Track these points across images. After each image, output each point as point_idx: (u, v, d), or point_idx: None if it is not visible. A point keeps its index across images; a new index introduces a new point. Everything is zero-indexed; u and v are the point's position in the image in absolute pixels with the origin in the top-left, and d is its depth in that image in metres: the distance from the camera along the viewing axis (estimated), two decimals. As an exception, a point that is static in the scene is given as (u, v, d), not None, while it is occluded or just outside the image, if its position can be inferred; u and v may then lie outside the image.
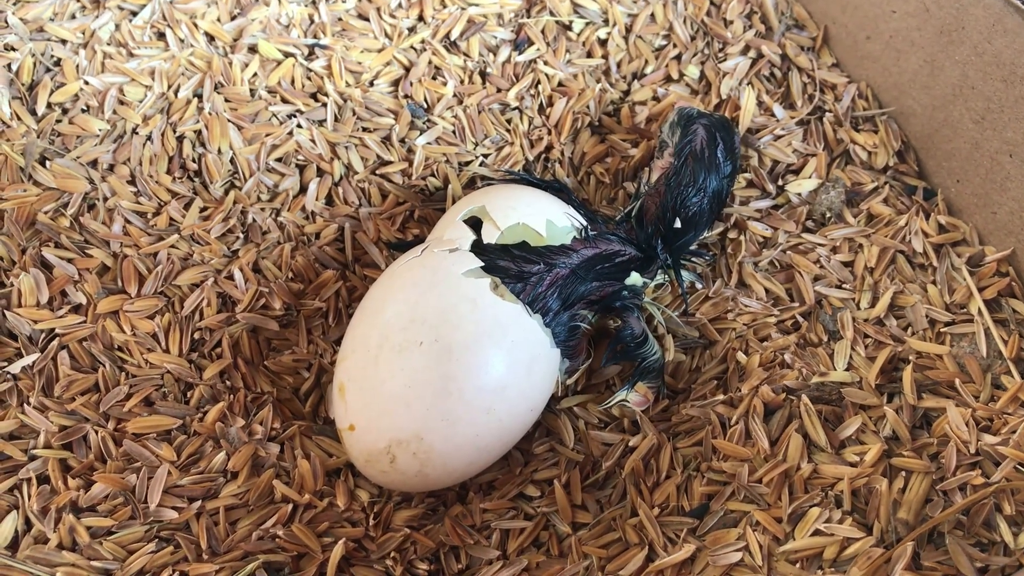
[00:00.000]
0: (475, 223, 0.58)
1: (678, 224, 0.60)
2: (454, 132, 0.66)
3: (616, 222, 0.63)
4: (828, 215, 0.63)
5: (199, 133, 0.64)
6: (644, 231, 0.61)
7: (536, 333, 0.54)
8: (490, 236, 0.56)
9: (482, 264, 0.54)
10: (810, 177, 0.64)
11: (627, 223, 0.62)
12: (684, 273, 0.63)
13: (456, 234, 0.57)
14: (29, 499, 0.51)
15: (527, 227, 0.57)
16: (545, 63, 0.69)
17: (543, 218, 0.58)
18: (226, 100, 0.65)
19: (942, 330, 0.58)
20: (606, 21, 0.71)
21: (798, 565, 0.51)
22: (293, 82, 0.67)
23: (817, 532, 0.51)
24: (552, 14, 0.70)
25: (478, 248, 0.56)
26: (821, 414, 0.55)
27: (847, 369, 0.57)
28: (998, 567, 0.49)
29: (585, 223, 0.59)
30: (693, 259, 0.63)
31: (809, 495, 0.52)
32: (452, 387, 0.51)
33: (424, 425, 0.52)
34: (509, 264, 0.55)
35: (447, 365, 0.51)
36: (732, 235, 0.64)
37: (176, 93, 0.65)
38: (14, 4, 0.66)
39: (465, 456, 0.53)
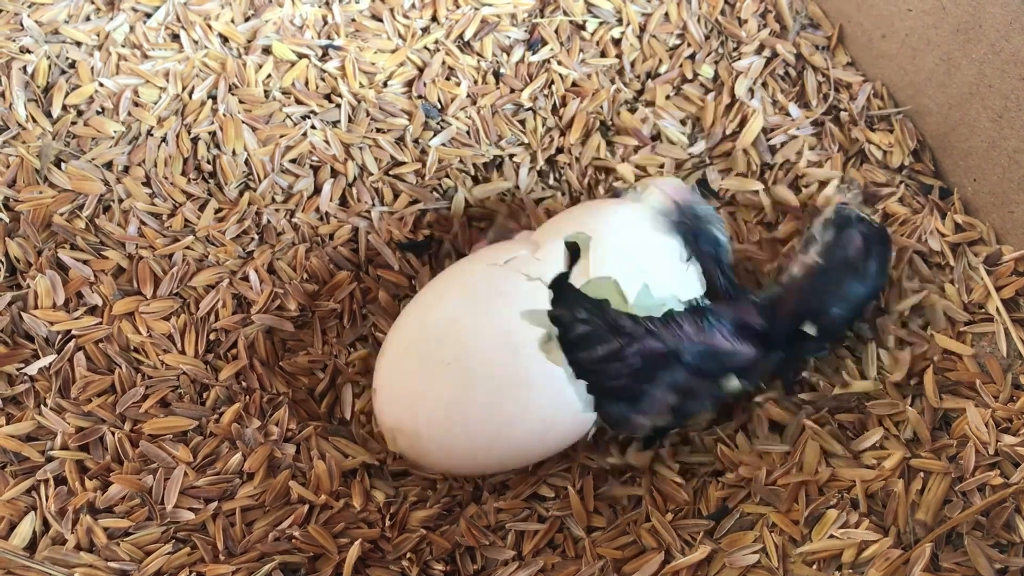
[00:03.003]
0: (574, 251, 0.54)
1: (812, 331, 0.56)
2: (468, 133, 0.66)
3: (744, 300, 0.57)
4: None
5: (213, 134, 0.64)
6: (773, 326, 0.57)
7: (567, 398, 0.52)
8: (578, 276, 0.53)
9: (549, 310, 0.52)
10: (828, 183, 0.64)
11: (754, 308, 0.57)
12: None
13: (550, 254, 0.54)
14: (47, 500, 0.51)
15: (616, 287, 0.53)
16: (559, 63, 0.69)
17: (641, 280, 0.53)
18: (240, 101, 0.65)
19: (961, 330, 0.57)
20: (620, 20, 0.70)
21: (815, 567, 0.50)
22: (307, 83, 0.67)
23: (834, 535, 0.51)
24: (566, 14, 0.70)
25: (558, 288, 0.52)
26: (841, 424, 0.55)
27: (878, 375, 0.57)
28: (1017, 568, 0.49)
29: (702, 294, 0.55)
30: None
31: (826, 497, 0.52)
32: (458, 415, 0.51)
33: (424, 431, 0.52)
34: (582, 319, 0.52)
35: (463, 394, 0.51)
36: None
37: (190, 95, 0.65)
38: (29, 7, 0.66)
39: (456, 466, 0.54)
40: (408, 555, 0.53)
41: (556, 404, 0.52)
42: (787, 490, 0.52)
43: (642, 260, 0.54)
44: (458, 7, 0.70)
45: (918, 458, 0.52)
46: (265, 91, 0.66)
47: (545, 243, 0.54)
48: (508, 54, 0.69)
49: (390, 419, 0.54)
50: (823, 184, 0.64)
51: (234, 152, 0.64)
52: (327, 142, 0.65)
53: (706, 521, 0.53)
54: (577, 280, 0.53)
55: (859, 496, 0.51)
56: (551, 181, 0.66)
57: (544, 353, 0.51)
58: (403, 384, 0.53)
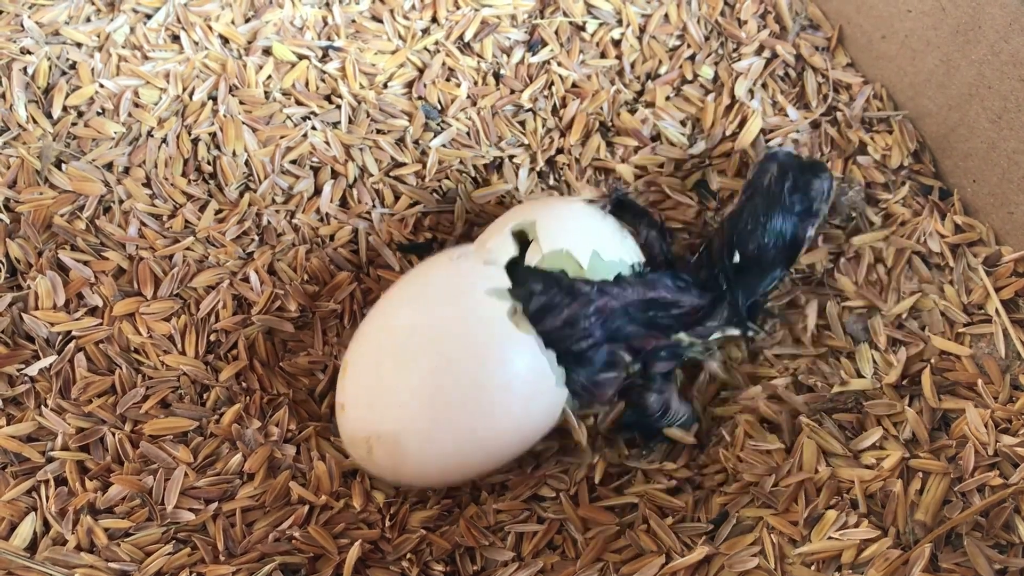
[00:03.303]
0: (523, 238, 0.56)
1: (737, 259, 0.58)
2: (468, 134, 0.66)
3: (686, 263, 0.60)
4: (853, 215, 0.63)
5: (214, 135, 0.64)
6: (708, 270, 0.59)
7: (543, 369, 0.53)
8: (532, 256, 0.55)
9: (508, 288, 0.53)
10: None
11: (696, 264, 0.60)
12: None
13: (500, 244, 0.56)
14: (47, 501, 0.52)
15: (570, 256, 0.55)
16: (559, 64, 0.69)
17: (590, 248, 0.56)
18: (240, 102, 0.65)
19: (960, 331, 0.57)
20: (620, 21, 0.70)
21: (814, 567, 0.50)
22: (307, 84, 0.67)
23: (833, 536, 0.51)
24: (566, 15, 0.70)
25: (512, 267, 0.54)
26: (839, 423, 0.55)
27: (874, 374, 0.57)
28: (1017, 568, 0.49)
29: (641, 260, 0.57)
30: (758, 318, 0.60)
31: (825, 498, 0.52)
32: (440, 400, 0.51)
33: (404, 428, 0.52)
34: (539, 291, 0.53)
35: (441, 378, 0.51)
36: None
37: (191, 96, 0.65)
38: (29, 8, 0.66)
39: (438, 467, 0.54)
40: (408, 556, 0.53)
41: (535, 375, 0.53)
42: (786, 491, 0.53)
43: (586, 233, 0.57)
44: (458, 8, 0.70)
45: (917, 458, 0.52)
46: (265, 92, 0.66)
47: (492, 239, 0.56)
48: (508, 55, 0.69)
49: (364, 431, 0.53)
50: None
51: (234, 153, 0.64)
52: (327, 143, 0.65)
53: (705, 525, 0.53)
54: (532, 260, 0.55)
55: (858, 496, 0.51)
56: (551, 182, 0.66)
57: (514, 324, 0.52)
58: (376, 391, 0.53)
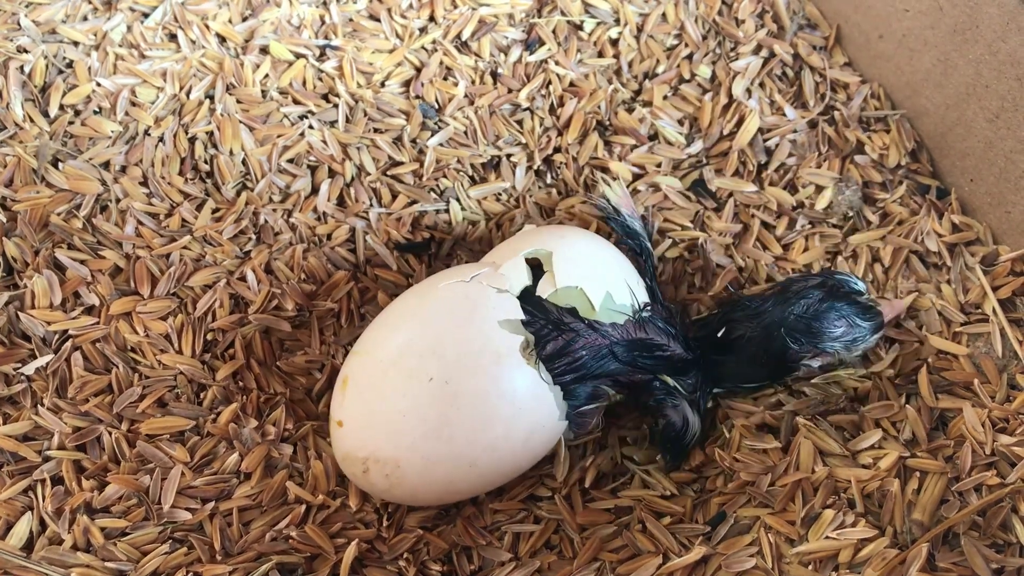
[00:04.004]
0: (536, 266, 0.55)
1: (720, 335, 0.56)
2: (466, 133, 0.66)
3: (674, 312, 0.58)
4: (850, 214, 0.63)
5: (211, 134, 0.64)
6: (690, 329, 0.58)
7: (548, 406, 0.52)
8: (545, 288, 0.54)
9: (524, 319, 0.52)
10: (828, 186, 0.64)
11: (684, 317, 0.59)
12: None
13: (513, 270, 0.54)
14: (43, 500, 0.52)
15: (583, 294, 0.54)
16: (556, 63, 0.68)
17: (604, 289, 0.55)
18: (238, 101, 0.65)
19: (957, 330, 0.57)
20: (617, 21, 0.70)
21: (811, 567, 0.50)
22: (305, 83, 0.67)
23: (830, 535, 0.51)
24: (563, 14, 0.70)
25: (526, 298, 0.53)
26: (835, 425, 0.55)
27: (868, 377, 0.57)
28: (1014, 568, 0.49)
29: (645, 303, 0.55)
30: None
31: (822, 497, 0.52)
32: (444, 432, 0.51)
33: (405, 456, 0.51)
34: (550, 327, 0.52)
35: (447, 409, 0.50)
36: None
37: (188, 94, 0.65)
38: (26, 6, 0.66)
39: (435, 492, 0.53)
40: (405, 555, 0.53)
41: (540, 412, 0.52)
42: (783, 491, 0.52)
43: (601, 271, 0.56)
44: (455, 7, 0.70)
45: (915, 458, 0.52)
46: (262, 91, 0.66)
47: (504, 261, 0.55)
48: (506, 54, 0.69)
49: (362, 450, 0.52)
50: (820, 187, 0.64)
51: (231, 152, 0.64)
52: (325, 142, 0.65)
53: (703, 526, 0.53)
54: (544, 291, 0.53)
55: (855, 496, 0.51)
56: (548, 180, 0.66)
57: (525, 359, 0.51)
58: (379, 408, 0.52)
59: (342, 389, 0.53)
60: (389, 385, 0.51)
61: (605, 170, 0.66)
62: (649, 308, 0.55)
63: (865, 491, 0.52)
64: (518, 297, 0.53)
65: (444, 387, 0.50)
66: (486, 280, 0.53)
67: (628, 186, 0.65)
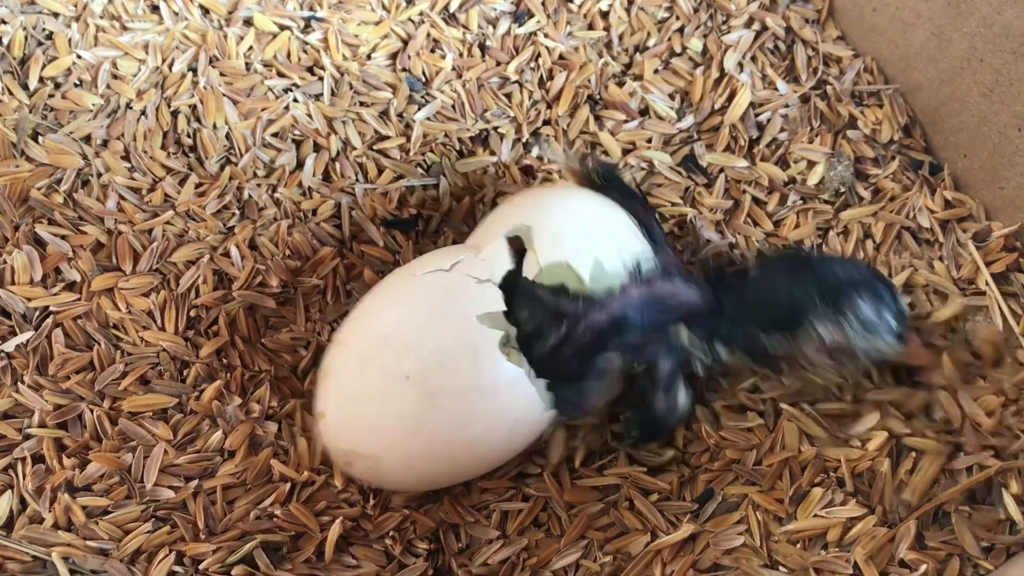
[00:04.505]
0: (518, 245, 0.53)
1: (748, 269, 0.54)
2: (453, 107, 0.65)
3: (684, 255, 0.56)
4: (841, 190, 0.62)
5: (194, 108, 0.63)
6: (714, 278, 0.55)
7: (530, 399, 0.51)
8: (530, 268, 0.52)
9: (505, 310, 0.50)
10: (819, 162, 0.63)
11: (703, 262, 0.57)
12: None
13: (494, 253, 0.52)
14: (24, 478, 0.51)
15: (570, 268, 0.52)
16: (545, 36, 0.67)
17: (592, 257, 0.52)
18: (221, 74, 0.64)
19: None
20: (608, -7, 0.69)
21: (799, 545, 0.50)
22: (289, 55, 0.66)
23: (819, 514, 0.50)
24: (553, -14, 0.69)
25: (512, 285, 0.51)
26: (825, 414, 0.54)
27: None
28: (1003, 545, 0.49)
29: (647, 251, 0.54)
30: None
31: (811, 475, 0.52)
32: (423, 430, 0.50)
33: (385, 452, 0.51)
34: (536, 312, 0.51)
35: (426, 409, 0.50)
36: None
37: (170, 67, 0.64)
38: (5, -24, 0.65)
39: (419, 483, 0.53)
40: (391, 533, 0.53)
41: (522, 406, 0.51)
42: (770, 469, 0.52)
43: (586, 236, 0.53)
44: (443, -21, 0.69)
45: (911, 437, 0.52)
46: (246, 64, 0.65)
47: (485, 244, 0.53)
48: (494, 27, 0.68)
49: (344, 443, 0.52)
50: (812, 163, 0.63)
51: (215, 126, 0.63)
52: (310, 116, 0.64)
53: (690, 504, 0.52)
54: (529, 272, 0.52)
55: (845, 475, 0.51)
56: (534, 152, 0.65)
57: (505, 355, 0.50)
58: (358, 404, 0.51)
59: (324, 380, 0.53)
60: (367, 381, 0.51)
61: (596, 145, 0.65)
62: (648, 258, 0.53)
63: (855, 470, 0.52)
64: (503, 282, 0.51)
65: (421, 386, 0.49)
66: (466, 269, 0.52)
67: (619, 161, 0.64)
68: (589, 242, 0.53)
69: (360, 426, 0.51)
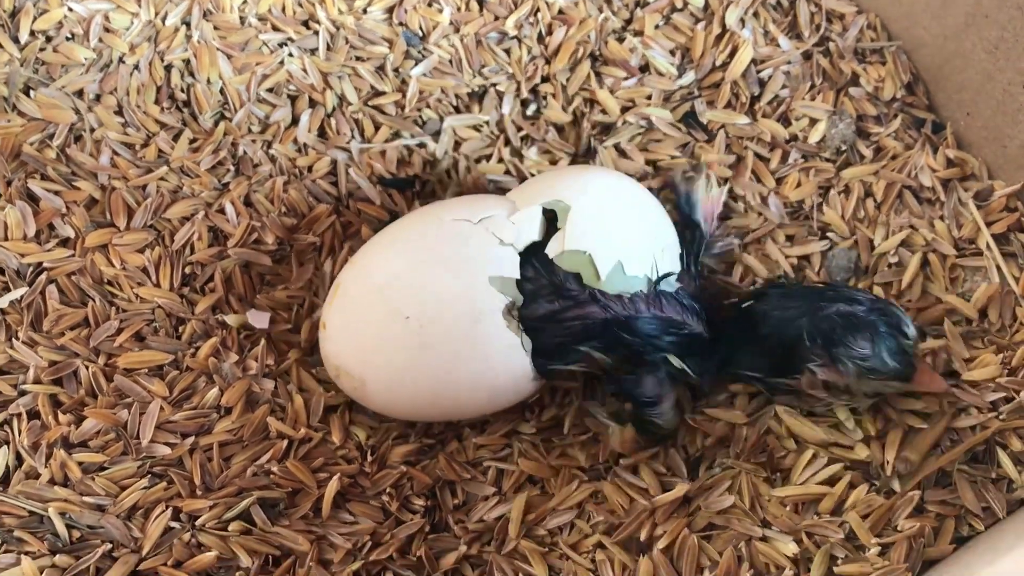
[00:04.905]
0: (552, 219, 0.52)
1: (743, 307, 0.53)
2: (451, 62, 0.64)
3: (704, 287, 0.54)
4: (843, 148, 0.61)
5: (187, 62, 0.62)
6: (720, 309, 0.54)
7: (521, 368, 0.51)
8: (554, 247, 0.51)
9: (517, 279, 0.50)
10: (821, 119, 0.62)
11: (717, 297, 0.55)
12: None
13: (526, 220, 0.52)
14: (20, 434, 0.51)
15: (590, 261, 0.51)
16: (545, -10, 0.66)
17: (617, 257, 0.51)
18: (215, 28, 0.63)
19: (953, 263, 0.57)
20: (608, -53, 0.68)
21: (789, 508, 0.50)
22: (284, 9, 0.65)
23: (811, 479, 0.51)
24: (552, -61, 0.68)
25: (531, 255, 0.51)
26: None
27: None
28: (1003, 503, 0.49)
29: (665, 274, 0.52)
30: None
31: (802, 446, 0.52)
32: (411, 371, 0.51)
33: (371, 379, 0.52)
34: (548, 288, 0.51)
35: (417, 354, 0.50)
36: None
37: (163, 21, 0.63)
38: (-6, -73, 0.64)
39: (397, 414, 0.54)
40: (388, 490, 0.53)
41: (511, 372, 0.51)
42: (761, 442, 0.52)
43: (620, 236, 0.53)
44: (441, -69, 0.68)
45: (904, 397, 0.52)
46: (241, 17, 0.64)
47: (522, 206, 0.52)
48: (493, -20, 0.67)
49: (336, 359, 0.53)
50: (813, 120, 0.63)
51: (209, 81, 0.62)
52: (305, 71, 0.63)
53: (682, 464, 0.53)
54: (552, 250, 0.51)
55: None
56: (530, 111, 0.64)
57: (506, 322, 0.50)
58: (355, 330, 0.52)
59: (333, 292, 0.54)
60: (370, 310, 0.52)
61: (594, 103, 0.64)
62: (670, 278, 0.52)
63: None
64: (523, 252, 0.51)
65: (418, 331, 0.50)
66: (492, 227, 0.51)
67: (617, 118, 0.63)
68: (622, 239, 0.52)
69: (354, 348, 0.52)
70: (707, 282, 0.58)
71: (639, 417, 0.53)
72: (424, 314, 0.50)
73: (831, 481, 0.50)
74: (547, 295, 0.51)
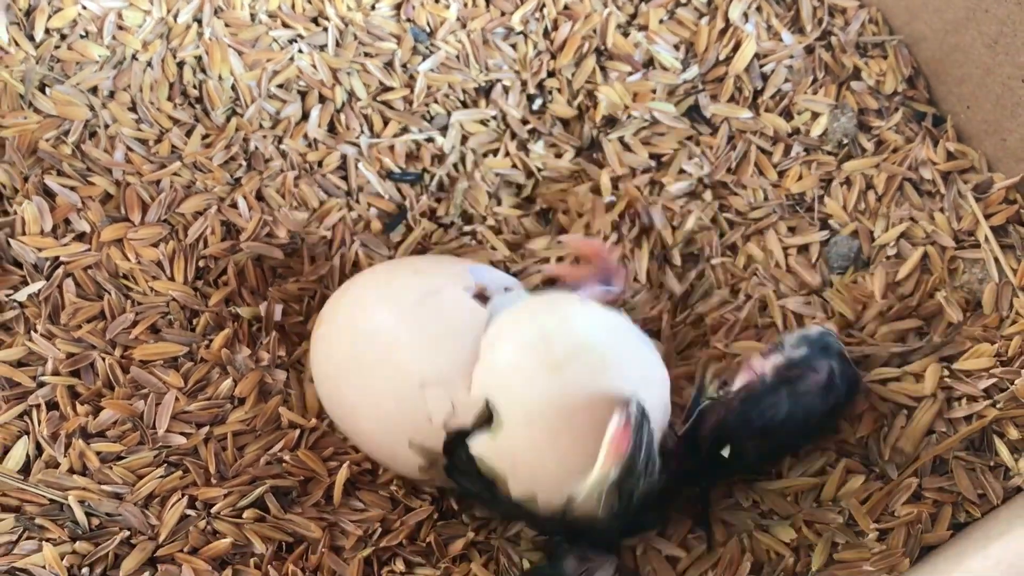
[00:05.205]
0: (488, 416, 0.48)
1: (726, 453, 0.48)
2: (458, 57, 0.65)
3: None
4: (844, 141, 0.62)
5: (199, 59, 0.63)
6: (688, 444, 0.50)
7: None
8: (481, 442, 0.48)
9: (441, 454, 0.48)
10: (823, 113, 0.63)
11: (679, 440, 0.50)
12: None
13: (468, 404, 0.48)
14: (39, 424, 0.52)
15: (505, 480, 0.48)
16: (550, -14, 0.67)
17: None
18: (226, 25, 0.64)
19: (952, 255, 0.57)
20: (613, -58, 0.69)
21: (789, 498, 0.51)
22: (293, 6, 0.65)
23: (808, 470, 0.52)
24: (557, -65, 0.69)
25: (454, 446, 0.48)
26: None
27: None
28: (999, 491, 0.50)
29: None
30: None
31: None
32: (351, 410, 0.52)
33: (325, 400, 0.54)
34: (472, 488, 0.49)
35: (363, 398, 0.50)
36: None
37: (175, 18, 0.64)
38: (9, -74, 0.65)
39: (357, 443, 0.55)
40: (396, 480, 0.54)
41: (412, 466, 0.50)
42: None
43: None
44: (448, -72, 0.68)
45: (898, 381, 0.53)
46: (251, 14, 0.65)
47: (478, 366, 0.48)
48: (499, -24, 0.68)
49: (312, 362, 0.54)
50: (815, 114, 0.63)
51: (220, 77, 0.63)
52: (314, 67, 0.64)
53: None
54: (478, 447, 0.48)
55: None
56: (535, 106, 0.65)
57: (408, 443, 0.49)
58: (326, 352, 0.53)
59: (329, 303, 0.54)
60: (338, 340, 0.52)
61: (593, 95, 0.65)
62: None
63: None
64: (449, 436, 0.48)
65: (370, 383, 0.50)
66: (432, 399, 0.48)
67: (622, 112, 0.64)
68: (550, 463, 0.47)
69: (319, 364, 0.53)
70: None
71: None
72: (389, 359, 0.49)
73: (823, 470, 0.52)
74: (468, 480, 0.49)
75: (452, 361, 0.48)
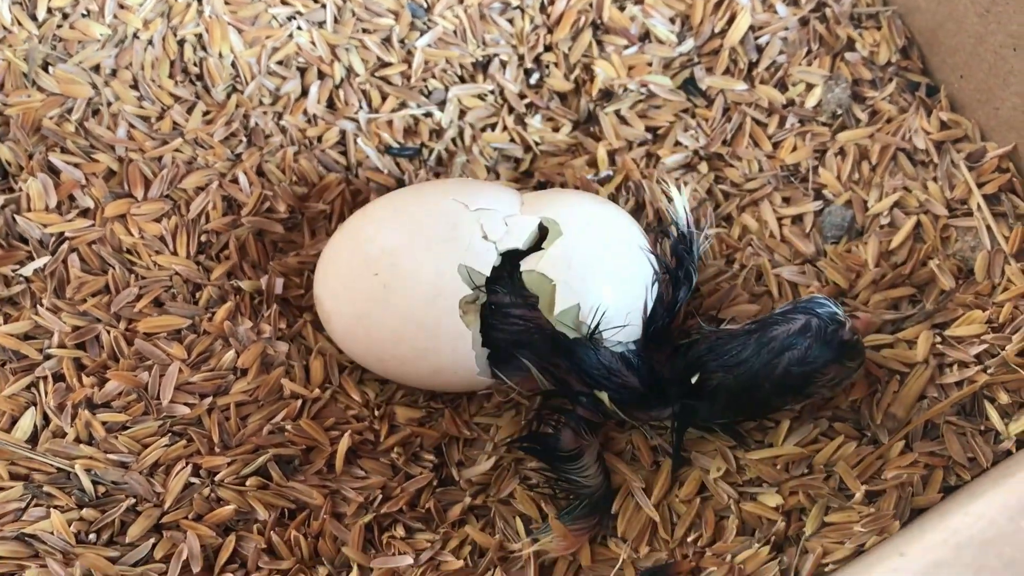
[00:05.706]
0: (542, 233, 0.53)
1: (693, 380, 0.50)
2: (455, 33, 0.66)
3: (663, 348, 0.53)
4: (838, 112, 0.63)
5: (200, 37, 0.64)
6: (654, 361, 0.52)
7: (466, 359, 0.52)
8: (529, 262, 0.51)
9: (487, 275, 0.51)
10: (817, 84, 0.63)
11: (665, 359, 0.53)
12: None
13: (519, 226, 0.52)
14: (46, 396, 0.53)
15: (551, 291, 0.51)
16: (546, -40, 0.68)
17: (577, 300, 0.51)
18: (225, 3, 0.65)
19: (945, 224, 0.58)
20: (609, -84, 0.69)
21: (778, 467, 0.52)
22: (292, -17, 0.66)
23: (799, 440, 0.53)
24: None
25: (506, 260, 0.52)
26: None
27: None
28: (989, 454, 0.51)
29: (595, 327, 0.50)
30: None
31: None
32: (363, 323, 0.54)
33: (334, 317, 0.55)
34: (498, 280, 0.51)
35: (373, 307, 0.53)
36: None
37: (175, -4, 0.65)
38: (10, -93, 0.65)
39: (354, 355, 0.56)
40: (396, 448, 0.55)
41: (454, 359, 0.52)
42: None
43: (594, 280, 0.52)
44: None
45: (891, 348, 0.54)
46: (250, -8, 0.66)
47: (526, 209, 0.53)
48: (495, -48, 0.68)
49: (317, 287, 0.56)
50: (810, 85, 0.64)
51: (220, 54, 0.64)
52: (313, 43, 0.65)
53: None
54: (527, 264, 0.52)
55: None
56: (532, 80, 0.66)
57: (461, 312, 0.51)
58: (331, 269, 0.56)
59: (332, 237, 0.57)
60: (350, 258, 0.55)
61: (589, 69, 0.65)
62: (598, 335, 0.51)
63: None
64: (502, 254, 0.51)
65: (381, 290, 0.52)
66: (484, 219, 0.52)
67: (618, 86, 0.65)
68: (592, 287, 0.52)
69: (325, 284, 0.56)
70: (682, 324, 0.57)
71: (562, 480, 0.52)
72: (393, 276, 0.52)
73: (816, 439, 0.53)
74: (500, 294, 0.51)
75: (496, 199, 0.54)
